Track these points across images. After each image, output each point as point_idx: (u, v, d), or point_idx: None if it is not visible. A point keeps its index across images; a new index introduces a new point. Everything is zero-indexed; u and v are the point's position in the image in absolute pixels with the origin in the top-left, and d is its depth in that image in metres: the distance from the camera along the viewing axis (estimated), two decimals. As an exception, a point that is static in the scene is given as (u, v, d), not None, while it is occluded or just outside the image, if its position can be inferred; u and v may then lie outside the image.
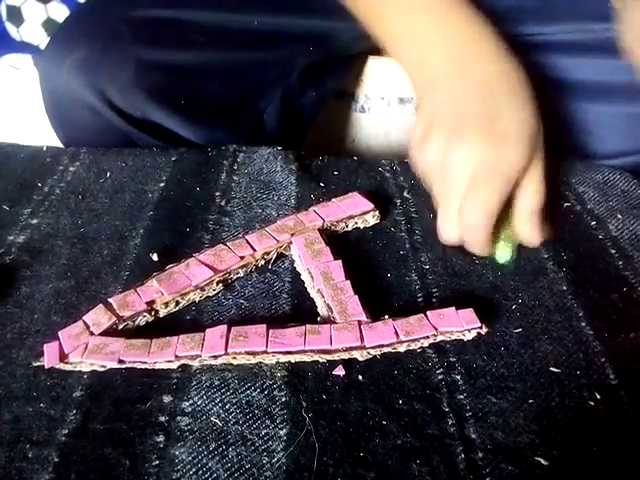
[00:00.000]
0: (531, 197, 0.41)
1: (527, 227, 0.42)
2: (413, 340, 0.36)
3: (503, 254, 0.43)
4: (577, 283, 0.42)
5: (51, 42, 0.58)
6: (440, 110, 0.43)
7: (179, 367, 0.36)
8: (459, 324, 0.37)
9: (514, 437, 0.32)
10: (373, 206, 0.47)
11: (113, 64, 0.54)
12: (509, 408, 0.34)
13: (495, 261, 0.43)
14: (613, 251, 0.45)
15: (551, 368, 0.36)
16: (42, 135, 0.62)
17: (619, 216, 0.48)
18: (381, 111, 0.82)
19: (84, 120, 0.57)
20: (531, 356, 0.37)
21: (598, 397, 0.34)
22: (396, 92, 0.80)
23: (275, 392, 0.35)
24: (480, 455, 0.32)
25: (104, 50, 0.55)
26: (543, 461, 0.31)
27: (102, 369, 0.35)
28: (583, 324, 0.39)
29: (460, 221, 0.41)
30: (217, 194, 0.51)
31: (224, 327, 0.37)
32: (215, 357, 0.35)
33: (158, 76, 0.55)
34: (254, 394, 0.34)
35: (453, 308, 0.38)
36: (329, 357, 0.36)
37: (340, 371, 0.36)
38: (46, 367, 0.35)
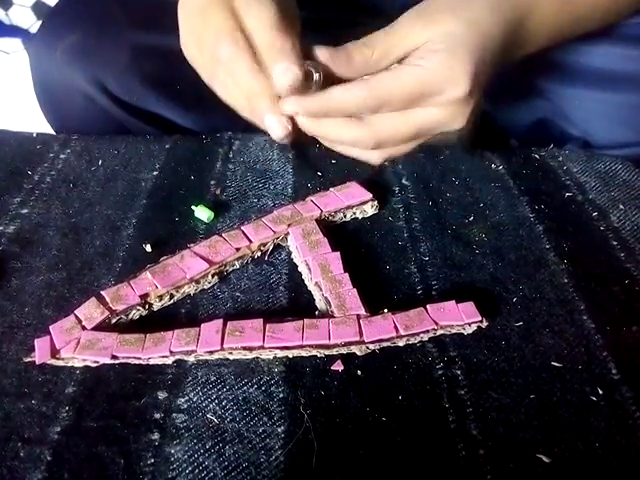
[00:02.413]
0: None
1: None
2: (413, 334, 0.36)
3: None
4: (578, 276, 0.41)
5: (43, 26, 0.56)
6: None
7: (174, 362, 0.35)
8: (459, 318, 0.36)
9: (515, 433, 0.32)
10: (371, 196, 0.46)
11: (108, 49, 0.53)
12: (510, 404, 0.33)
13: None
14: (615, 243, 0.44)
15: (552, 363, 0.35)
16: (33, 120, 0.61)
17: (621, 207, 0.47)
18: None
19: (76, 107, 0.55)
20: (532, 350, 0.36)
21: (600, 392, 0.34)
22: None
23: (272, 388, 0.34)
24: (481, 452, 0.31)
25: (98, 35, 0.53)
26: (545, 458, 0.31)
27: (95, 364, 0.35)
28: (585, 317, 0.38)
29: None
30: (212, 183, 0.50)
31: (220, 321, 0.36)
32: (211, 352, 0.35)
33: (154, 61, 0.53)
34: (251, 390, 0.34)
35: (453, 301, 0.37)
36: (327, 352, 0.35)
37: (338, 366, 0.35)
38: (37, 363, 0.34)
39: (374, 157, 0.44)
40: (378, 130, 0.40)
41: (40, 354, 0.34)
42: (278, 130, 0.39)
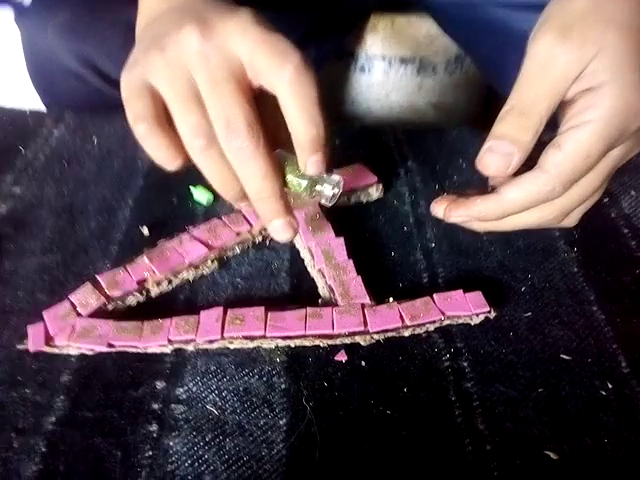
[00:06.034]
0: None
1: None
2: (419, 325, 0.35)
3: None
4: (588, 264, 0.40)
5: (34, 1, 0.53)
6: None
7: (173, 351, 0.34)
8: (467, 308, 0.35)
9: (523, 428, 0.31)
10: (377, 179, 0.45)
11: (101, 29, 0.50)
12: (518, 397, 0.33)
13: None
14: (626, 230, 0.43)
15: (561, 355, 0.35)
16: (26, 94, 0.58)
17: (632, 193, 0.46)
18: (382, 71, 0.78)
19: (69, 85, 0.53)
20: (541, 342, 0.35)
21: (610, 386, 0.33)
22: (398, 51, 0.76)
23: (274, 379, 0.33)
24: (488, 448, 0.30)
25: (91, 12, 0.50)
26: (552, 455, 0.30)
27: (91, 352, 0.34)
28: (594, 308, 0.37)
29: None
30: (211, 163, 0.48)
31: (220, 309, 0.35)
32: (211, 342, 0.34)
33: None
34: (252, 381, 0.33)
35: (460, 291, 0.36)
36: (331, 342, 0.34)
37: (342, 357, 0.34)
38: (31, 351, 0.33)
39: (570, 222, 0.38)
40: (565, 204, 0.35)
41: (33, 342, 0.33)
42: (287, 234, 0.34)
